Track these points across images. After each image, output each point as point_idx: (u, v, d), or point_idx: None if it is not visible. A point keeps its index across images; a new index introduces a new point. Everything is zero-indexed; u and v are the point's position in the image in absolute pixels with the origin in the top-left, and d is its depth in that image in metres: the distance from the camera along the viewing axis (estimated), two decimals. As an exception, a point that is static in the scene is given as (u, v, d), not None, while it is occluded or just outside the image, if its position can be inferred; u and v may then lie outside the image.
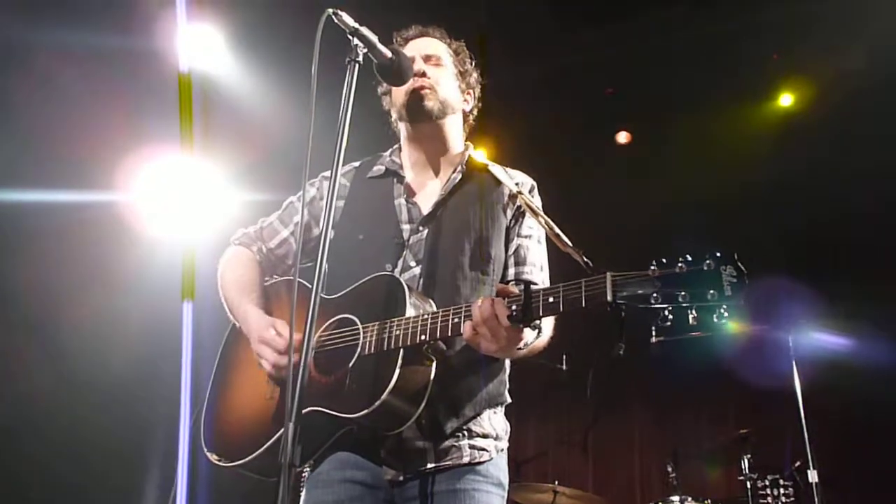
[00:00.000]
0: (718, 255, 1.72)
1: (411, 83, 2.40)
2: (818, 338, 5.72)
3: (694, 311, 1.73)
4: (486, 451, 2.21)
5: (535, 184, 2.54)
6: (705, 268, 1.72)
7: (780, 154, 6.28)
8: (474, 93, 2.65)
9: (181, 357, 5.52)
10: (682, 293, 1.72)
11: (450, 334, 2.02)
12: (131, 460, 5.62)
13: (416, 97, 2.43)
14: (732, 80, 6.08)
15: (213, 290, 2.62)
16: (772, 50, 6.02)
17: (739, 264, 1.70)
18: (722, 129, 6.27)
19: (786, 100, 6.39)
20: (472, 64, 2.65)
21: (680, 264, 1.74)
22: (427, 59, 2.51)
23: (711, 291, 1.70)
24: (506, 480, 2.26)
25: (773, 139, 6.34)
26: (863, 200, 6.00)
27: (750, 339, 5.62)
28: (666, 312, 1.75)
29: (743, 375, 6.05)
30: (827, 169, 6.02)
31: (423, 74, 2.45)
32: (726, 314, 1.70)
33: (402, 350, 2.04)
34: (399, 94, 2.48)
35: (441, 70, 2.52)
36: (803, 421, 4.89)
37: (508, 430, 2.33)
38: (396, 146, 2.62)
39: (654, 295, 1.75)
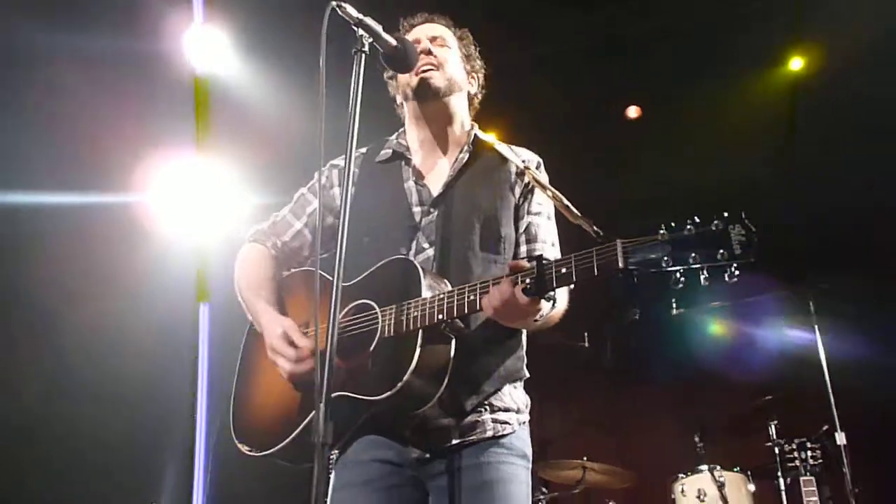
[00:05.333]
0: (726, 214, 1.73)
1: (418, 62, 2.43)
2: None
3: (705, 272, 1.74)
4: (509, 424, 2.25)
5: (541, 161, 2.57)
6: (714, 228, 1.73)
7: (791, 123, 6.22)
8: (478, 77, 2.69)
9: (197, 357, 5.58)
10: (693, 254, 1.73)
11: (466, 312, 2.05)
12: (146, 461, 5.61)
13: (423, 75, 2.46)
14: (740, 50, 6.02)
15: (226, 291, 2.66)
16: (781, 17, 5.95)
17: (747, 222, 1.72)
18: (731, 100, 6.20)
19: (796, 63, 6.29)
20: (475, 51, 2.69)
21: (689, 226, 1.76)
22: (433, 39, 2.55)
23: (721, 251, 1.71)
24: (529, 452, 2.30)
25: (783, 106, 6.26)
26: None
27: (770, 305, 5.59)
28: (678, 275, 1.77)
29: (765, 341, 6.03)
30: (837, 137, 5.96)
31: (430, 53, 2.49)
32: (737, 273, 1.72)
33: (420, 331, 2.07)
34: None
35: (447, 51, 2.57)
36: (828, 384, 4.87)
37: (529, 403, 2.37)
38: (402, 129, 2.64)
39: (665, 259, 1.76)
